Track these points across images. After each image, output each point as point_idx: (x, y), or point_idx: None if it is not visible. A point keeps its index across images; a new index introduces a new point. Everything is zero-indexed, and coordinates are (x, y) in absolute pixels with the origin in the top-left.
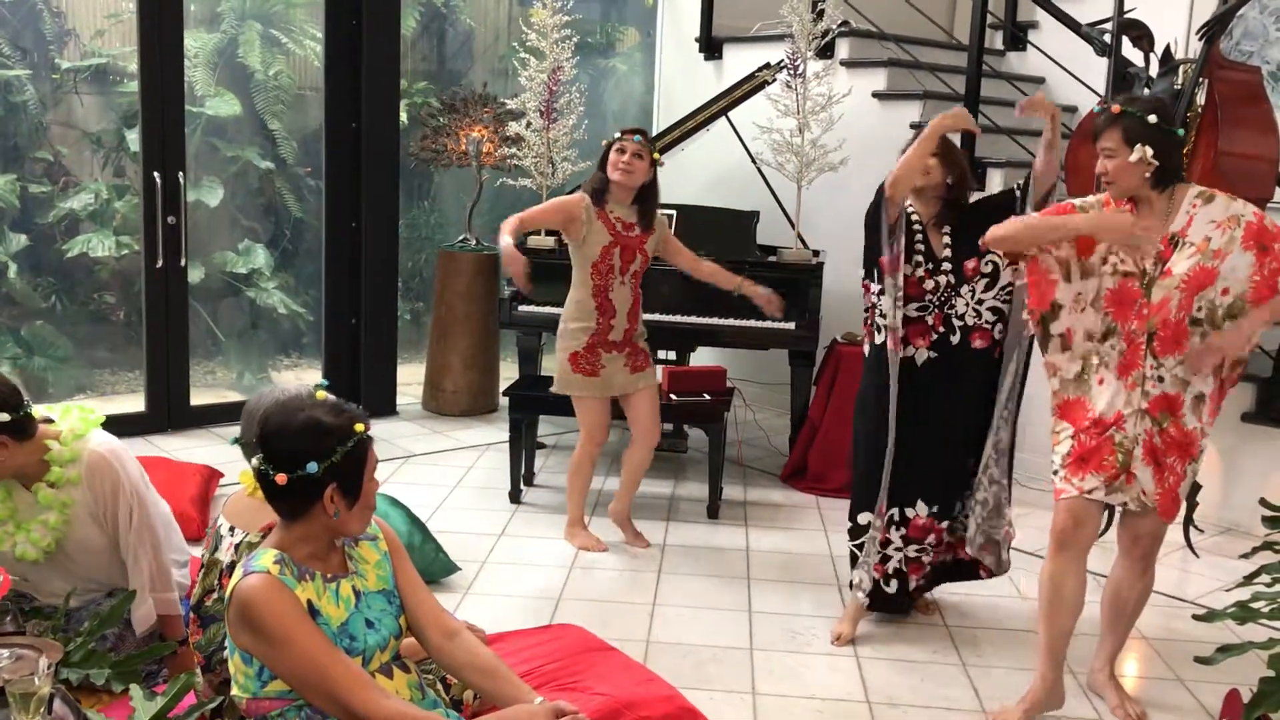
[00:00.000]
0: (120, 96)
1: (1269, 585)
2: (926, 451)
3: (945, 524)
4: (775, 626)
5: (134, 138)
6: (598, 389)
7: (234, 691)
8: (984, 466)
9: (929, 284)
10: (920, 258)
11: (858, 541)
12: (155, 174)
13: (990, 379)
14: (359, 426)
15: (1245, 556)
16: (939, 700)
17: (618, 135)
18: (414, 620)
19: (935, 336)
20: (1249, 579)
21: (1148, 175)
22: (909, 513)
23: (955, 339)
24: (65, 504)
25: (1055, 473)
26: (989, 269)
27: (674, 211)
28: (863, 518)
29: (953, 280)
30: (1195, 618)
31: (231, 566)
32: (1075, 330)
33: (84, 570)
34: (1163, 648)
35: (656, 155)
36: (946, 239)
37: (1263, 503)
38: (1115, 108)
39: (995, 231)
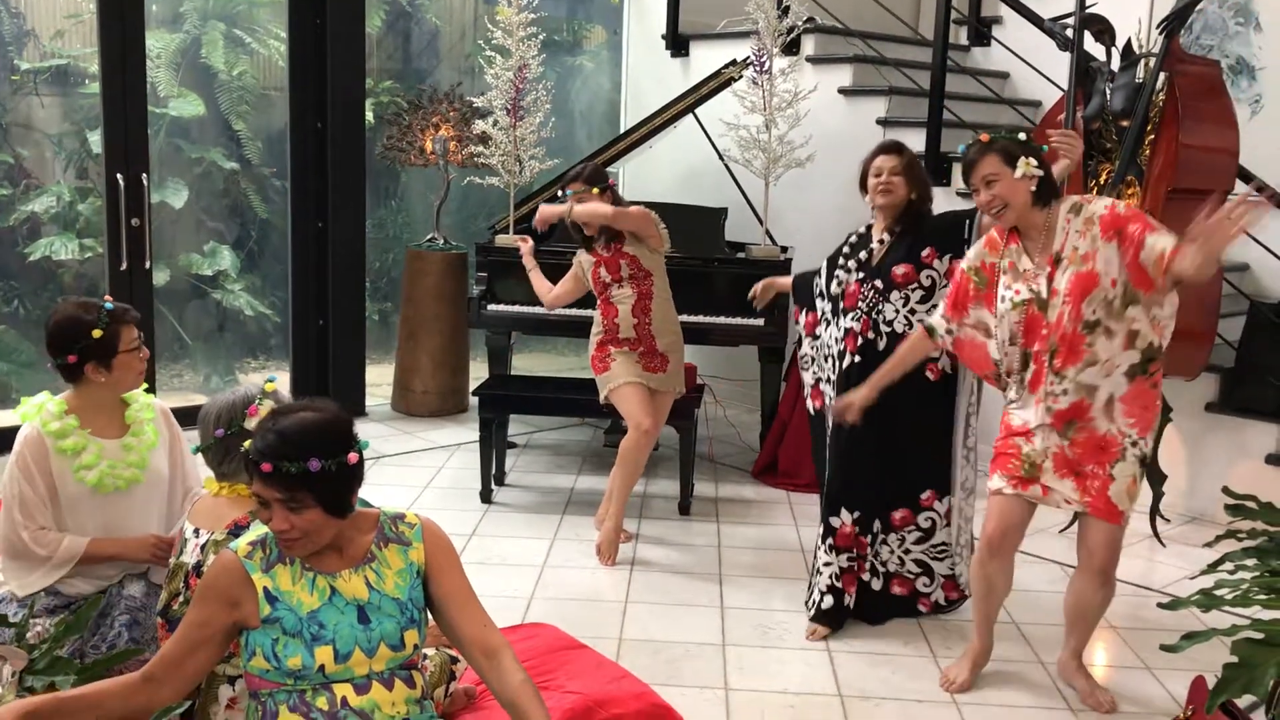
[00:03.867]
0: (82, 98)
1: (1232, 573)
2: (851, 458)
3: (867, 539)
4: (747, 622)
5: (96, 139)
6: (613, 380)
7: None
8: (955, 509)
9: (862, 290)
10: (854, 262)
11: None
12: (118, 176)
13: (924, 398)
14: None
15: (1209, 545)
16: (911, 693)
17: (558, 195)
18: (454, 636)
19: (861, 342)
20: (1213, 567)
21: (1033, 190)
22: (834, 522)
23: (882, 345)
24: (149, 424)
25: None
26: (928, 282)
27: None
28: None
29: (879, 286)
30: (1160, 606)
31: (198, 568)
32: (1004, 373)
33: (140, 516)
34: (1130, 636)
35: (595, 190)
36: (878, 244)
37: (1226, 491)
38: (984, 136)
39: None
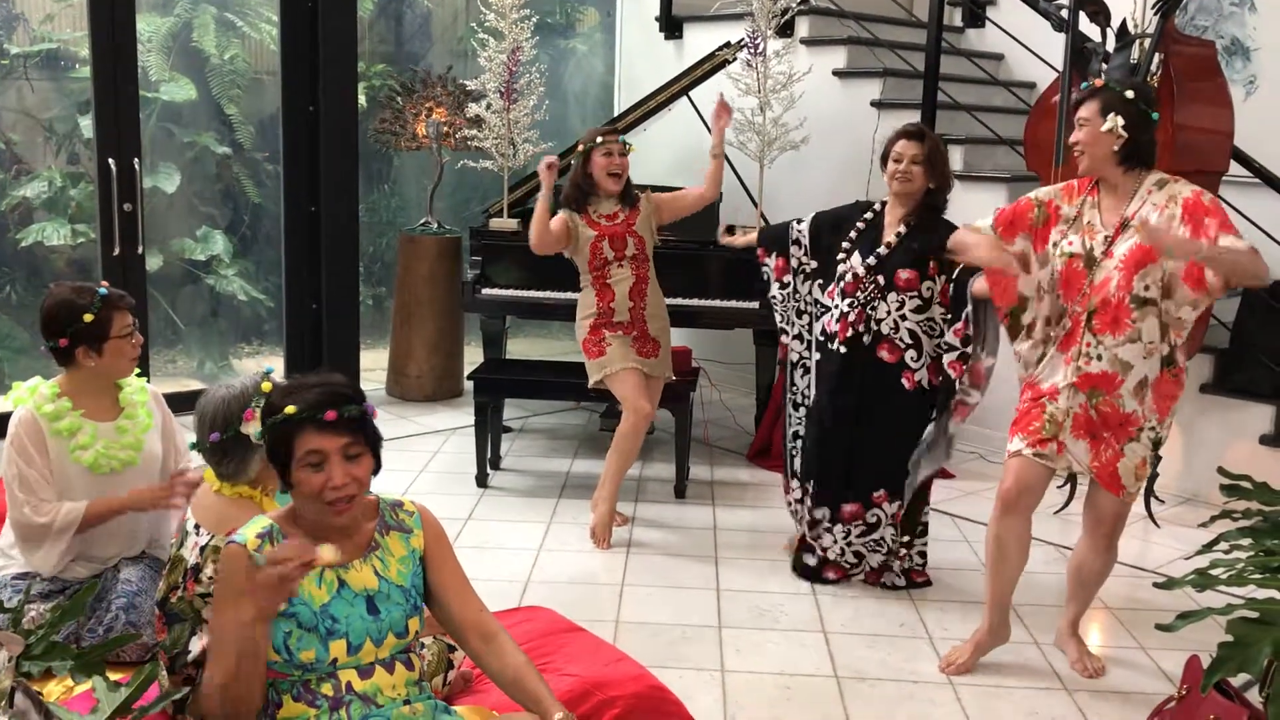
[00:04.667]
0: (73, 82)
1: (1227, 553)
2: (820, 449)
3: (807, 514)
4: (743, 604)
5: (87, 124)
6: (610, 365)
7: None
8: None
9: (863, 282)
10: (873, 258)
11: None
12: (110, 161)
13: (898, 405)
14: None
15: (1204, 525)
16: (906, 674)
17: (599, 140)
18: (451, 622)
19: (850, 334)
20: (1208, 547)
21: (1116, 149)
22: (809, 485)
23: (867, 339)
24: (143, 406)
25: None
26: (927, 293)
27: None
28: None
29: (881, 283)
30: (1156, 586)
31: (196, 568)
32: (1037, 319)
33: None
34: (1125, 617)
35: (632, 147)
36: (894, 238)
37: (1221, 471)
38: (1098, 81)
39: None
